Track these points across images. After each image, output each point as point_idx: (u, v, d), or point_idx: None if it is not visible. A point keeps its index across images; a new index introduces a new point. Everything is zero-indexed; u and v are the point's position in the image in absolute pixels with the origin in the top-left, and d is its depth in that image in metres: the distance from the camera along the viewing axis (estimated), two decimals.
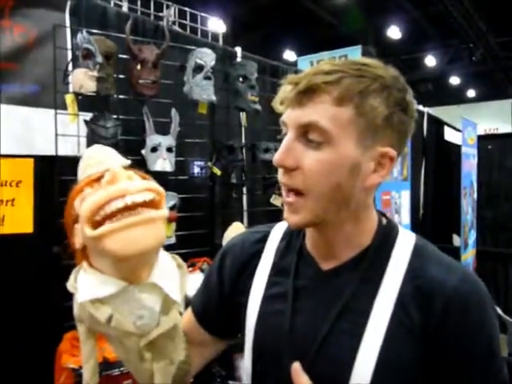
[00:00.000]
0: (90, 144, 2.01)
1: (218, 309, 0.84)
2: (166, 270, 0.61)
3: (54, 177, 2.01)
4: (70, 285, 0.61)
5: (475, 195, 4.47)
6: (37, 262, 2.06)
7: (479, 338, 0.64)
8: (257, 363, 0.75)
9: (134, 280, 0.57)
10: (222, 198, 2.47)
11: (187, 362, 0.77)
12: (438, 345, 0.64)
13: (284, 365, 0.68)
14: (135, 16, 2.34)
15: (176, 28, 2.67)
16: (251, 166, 2.63)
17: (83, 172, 0.58)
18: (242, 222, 2.65)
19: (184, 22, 2.85)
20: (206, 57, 2.15)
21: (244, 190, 2.71)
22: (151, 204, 0.55)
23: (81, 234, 0.56)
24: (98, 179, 0.55)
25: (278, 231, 0.83)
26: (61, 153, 2.03)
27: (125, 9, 2.52)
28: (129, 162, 0.60)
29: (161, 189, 0.56)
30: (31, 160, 2.04)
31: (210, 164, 2.29)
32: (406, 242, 0.72)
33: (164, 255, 0.63)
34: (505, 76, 11.12)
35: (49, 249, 2.07)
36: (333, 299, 0.69)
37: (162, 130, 2.20)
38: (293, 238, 0.80)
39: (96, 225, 0.53)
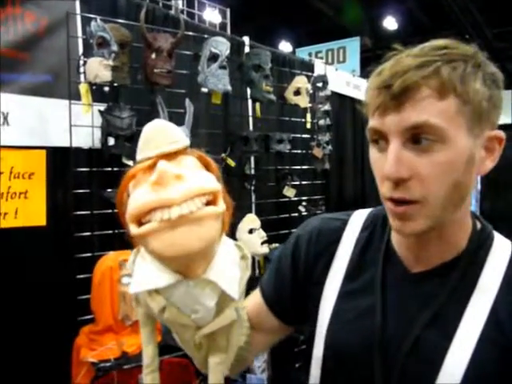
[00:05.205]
0: (104, 135, 1.97)
1: (290, 294, 0.81)
2: (226, 262, 0.56)
3: (69, 168, 1.97)
4: (128, 264, 0.58)
5: (479, 186, 4.49)
6: (50, 255, 2.02)
7: None
8: (329, 359, 0.73)
9: (188, 274, 0.53)
10: (236, 190, 2.44)
11: (246, 349, 0.75)
12: None
13: (371, 363, 0.66)
14: (146, 4, 2.29)
15: (184, 17, 2.62)
16: (264, 157, 2.60)
17: (140, 153, 0.54)
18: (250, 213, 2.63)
19: (192, 10, 2.80)
20: (221, 45, 2.12)
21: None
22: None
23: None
24: (153, 166, 0.52)
25: (357, 220, 0.79)
26: (74, 144, 1.99)
27: None
28: (187, 142, 0.55)
29: (215, 186, 0.50)
30: (43, 151, 2.00)
31: (224, 155, 2.26)
32: (502, 250, 0.68)
33: (227, 245, 0.58)
34: (500, 67, 11.09)
35: (62, 242, 2.04)
36: (421, 305, 0.66)
37: (175, 120, 2.16)
38: (376, 230, 0.76)
39: (141, 221, 0.50)
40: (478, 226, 0.71)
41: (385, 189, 0.63)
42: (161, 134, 0.53)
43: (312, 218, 0.85)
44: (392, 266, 0.71)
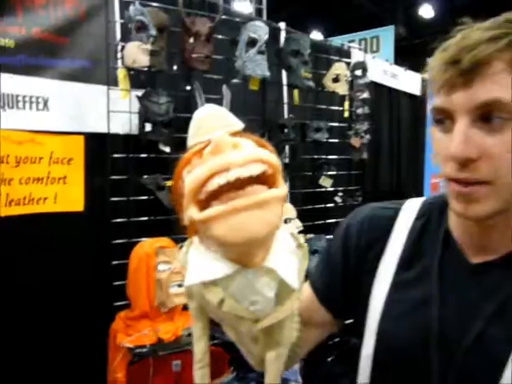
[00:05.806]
0: (142, 121, 1.96)
1: (341, 285, 0.78)
2: (284, 251, 0.53)
3: (107, 154, 1.97)
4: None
5: None
6: (87, 240, 2.04)
7: None
8: (380, 353, 0.69)
9: (246, 263, 0.49)
10: None
11: (298, 344, 0.72)
12: None
13: (428, 358, 0.62)
14: None
15: (221, 2, 2.58)
16: (300, 146, 2.55)
17: (192, 139, 0.51)
18: None
19: None
20: (260, 30, 2.07)
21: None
22: (263, 179, 0.47)
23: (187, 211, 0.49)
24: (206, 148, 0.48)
25: (410, 209, 0.75)
26: (111, 130, 1.98)
27: None
28: (241, 126, 0.51)
29: (274, 160, 0.47)
30: (82, 137, 2.00)
31: None
32: None
33: (284, 234, 0.55)
34: None
35: (99, 228, 2.05)
36: (483, 297, 0.63)
37: None
38: (432, 217, 0.72)
39: (203, 204, 0.46)
40: None
41: (449, 169, 0.59)
42: (214, 119, 0.50)
43: (361, 207, 0.82)
44: (450, 255, 0.68)
